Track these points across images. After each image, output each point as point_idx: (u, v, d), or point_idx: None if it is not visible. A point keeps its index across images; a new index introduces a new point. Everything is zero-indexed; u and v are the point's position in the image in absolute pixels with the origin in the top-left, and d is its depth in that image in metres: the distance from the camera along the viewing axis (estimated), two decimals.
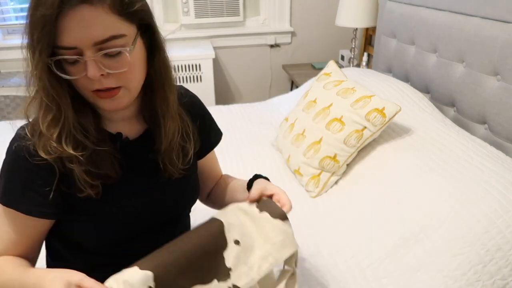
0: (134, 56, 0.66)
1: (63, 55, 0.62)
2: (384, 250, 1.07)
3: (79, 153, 0.67)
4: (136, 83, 0.70)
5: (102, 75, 0.64)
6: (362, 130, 1.35)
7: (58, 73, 0.63)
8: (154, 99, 0.75)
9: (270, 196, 0.78)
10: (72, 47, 0.61)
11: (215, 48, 2.71)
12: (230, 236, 0.72)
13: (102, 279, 0.60)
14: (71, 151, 0.66)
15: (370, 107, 1.35)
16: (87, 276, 0.59)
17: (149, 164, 0.79)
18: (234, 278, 0.70)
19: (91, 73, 0.62)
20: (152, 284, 0.61)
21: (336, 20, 2.36)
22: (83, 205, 0.72)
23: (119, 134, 0.77)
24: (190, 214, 0.93)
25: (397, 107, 1.33)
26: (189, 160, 0.82)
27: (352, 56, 2.50)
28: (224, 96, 2.99)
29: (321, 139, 1.41)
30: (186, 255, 0.66)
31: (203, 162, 0.95)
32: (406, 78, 1.85)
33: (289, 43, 2.93)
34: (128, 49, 0.64)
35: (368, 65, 2.43)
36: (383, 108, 1.33)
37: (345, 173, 1.41)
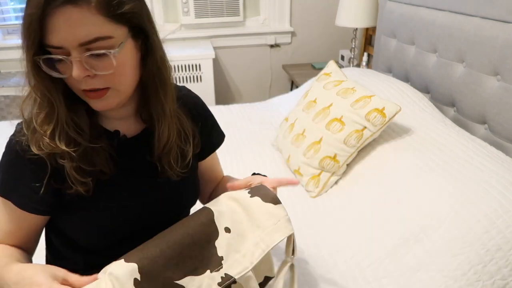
0: (123, 58, 0.65)
1: (52, 53, 0.62)
2: (384, 250, 1.07)
3: (72, 149, 0.68)
4: (125, 85, 0.69)
5: (88, 75, 0.64)
6: (362, 130, 1.35)
7: (46, 70, 0.64)
8: (149, 101, 0.75)
9: None
10: (59, 46, 0.61)
11: (215, 48, 2.71)
12: (221, 224, 0.70)
13: None
14: (64, 148, 0.67)
15: (370, 107, 1.35)
16: (70, 272, 0.61)
17: (147, 164, 0.79)
18: (226, 267, 0.68)
19: (75, 74, 0.62)
20: (137, 276, 0.61)
21: (336, 20, 2.36)
22: (77, 202, 0.73)
23: (116, 132, 0.77)
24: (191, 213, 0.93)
25: (397, 107, 1.33)
26: (188, 163, 0.82)
27: (352, 56, 2.50)
28: (224, 96, 2.99)
29: (321, 139, 1.41)
30: (173, 246, 0.65)
31: (205, 163, 0.95)
32: (406, 78, 1.85)
33: (289, 43, 2.93)
34: (112, 51, 0.62)
35: (368, 65, 2.43)
36: (383, 108, 1.33)
37: (345, 173, 1.41)
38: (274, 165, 1.56)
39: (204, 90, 2.59)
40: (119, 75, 0.66)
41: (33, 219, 0.74)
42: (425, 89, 1.71)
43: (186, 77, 2.56)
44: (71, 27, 0.59)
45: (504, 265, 0.97)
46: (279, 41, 2.90)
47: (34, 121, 0.68)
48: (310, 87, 1.67)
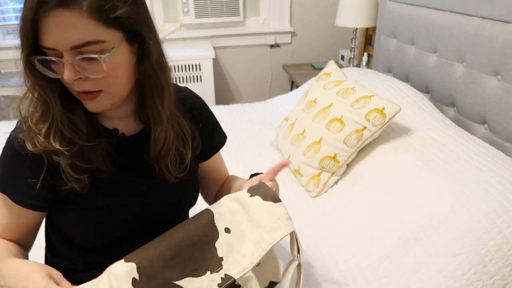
0: (115, 62, 0.65)
1: (47, 54, 0.63)
2: (384, 250, 1.07)
3: (66, 148, 0.69)
4: (118, 88, 0.69)
5: (80, 78, 0.64)
6: (362, 130, 1.35)
7: (41, 70, 0.64)
8: (146, 103, 0.75)
9: None
10: (52, 48, 0.62)
11: (215, 48, 2.71)
12: (221, 225, 0.70)
13: None
14: (58, 146, 0.68)
15: (370, 107, 1.35)
16: (64, 278, 0.61)
17: (146, 164, 0.79)
18: (226, 268, 0.68)
19: (66, 76, 0.63)
20: (136, 275, 0.61)
21: (336, 20, 2.36)
22: (72, 198, 0.73)
23: (115, 130, 0.77)
24: (190, 213, 0.93)
25: (397, 107, 1.33)
26: (186, 166, 0.81)
27: (352, 56, 2.50)
28: (224, 96, 2.99)
29: (321, 139, 1.41)
30: (173, 247, 0.65)
31: (207, 164, 0.94)
32: (406, 78, 1.85)
33: (289, 43, 2.93)
34: (103, 57, 0.62)
35: (368, 65, 2.43)
36: (383, 108, 1.33)
37: (345, 173, 1.41)
38: (274, 165, 1.56)
39: (204, 90, 2.59)
40: (111, 78, 0.66)
41: (30, 215, 0.75)
42: (425, 89, 1.71)
43: (186, 77, 2.56)
44: (63, 31, 0.60)
45: (504, 265, 0.97)
46: (279, 41, 2.90)
47: (29, 119, 0.69)
48: (310, 87, 1.67)
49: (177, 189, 0.82)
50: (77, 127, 0.71)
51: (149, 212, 0.79)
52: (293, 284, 0.78)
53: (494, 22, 1.30)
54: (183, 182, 0.82)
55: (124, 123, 0.78)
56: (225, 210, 0.72)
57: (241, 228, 0.71)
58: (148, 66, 0.70)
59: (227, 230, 0.70)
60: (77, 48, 0.61)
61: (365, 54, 2.42)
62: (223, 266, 0.68)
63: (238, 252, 0.69)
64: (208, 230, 0.69)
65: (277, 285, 0.74)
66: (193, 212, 0.93)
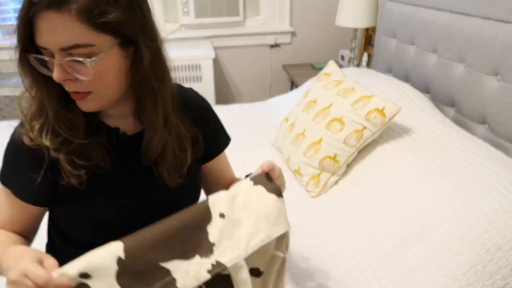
0: (105, 66, 0.65)
1: (41, 53, 0.65)
2: (384, 250, 1.07)
3: (58, 145, 0.70)
4: (108, 90, 0.70)
5: (70, 79, 0.65)
6: (362, 130, 1.35)
7: (36, 67, 0.66)
8: (140, 106, 0.75)
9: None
10: (44, 47, 0.63)
11: (215, 48, 2.71)
12: (216, 209, 0.68)
13: None
14: (48, 143, 0.70)
15: (370, 107, 1.35)
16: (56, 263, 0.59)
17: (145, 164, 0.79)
18: (217, 254, 0.66)
19: (55, 76, 0.64)
20: (122, 254, 0.60)
21: (336, 20, 2.36)
22: (70, 194, 0.74)
23: (116, 129, 0.78)
24: None
25: (397, 107, 1.33)
26: (186, 171, 0.81)
27: (352, 56, 2.50)
28: (224, 96, 2.99)
29: (321, 139, 1.41)
30: (163, 228, 0.64)
31: (210, 166, 0.94)
32: (406, 78, 1.85)
33: (289, 43, 2.93)
34: (88, 61, 0.62)
35: (368, 65, 2.43)
36: (383, 108, 1.33)
37: (345, 173, 1.41)
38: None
39: (204, 90, 2.59)
40: (100, 81, 0.67)
41: (32, 209, 0.76)
42: (425, 89, 1.71)
43: (186, 77, 2.56)
44: (53, 32, 0.61)
45: (504, 265, 0.97)
46: (279, 41, 2.90)
47: (25, 116, 0.72)
48: (310, 87, 1.67)
49: (177, 191, 0.82)
50: (75, 124, 0.72)
51: (148, 213, 0.79)
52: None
53: (494, 22, 1.30)
54: (184, 184, 0.82)
55: (125, 122, 0.79)
56: (223, 196, 0.69)
57: (238, 215, 0.69)
58: (139, 72, 0.69)
59: (222, 215, 0.67)
60: (67, 50, 0.62)
61: (365, 54, 2.42)
62: (215, 252, 0.66)
63: (231, 239, 0.67)
64: (201, 213, 0.67)
65: (262, 276, 0.73)
66: None
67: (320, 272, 1.06)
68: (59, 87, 0.69)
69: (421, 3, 1.70)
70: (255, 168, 0.76)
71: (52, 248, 0.86)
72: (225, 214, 0.68)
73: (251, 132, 1.82)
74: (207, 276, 0.64)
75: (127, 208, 0.77)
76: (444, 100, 1.60)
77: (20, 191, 0.74)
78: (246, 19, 2.83)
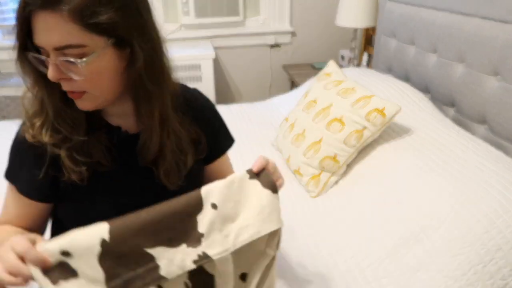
0: (98, 66, 0.65)
1: (40, 52, 0.66)
2: (384, 250, 1.07)
3: (60, 141, 0.71)
4: (101, 91, 0.70)
5: (65, 78, 0.66)
6: (362, 130, 1.35)
7: (35, 64, 0.67)
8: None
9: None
10: (41, 46, 0.64)
11: (215, 48, 2.71)
12: (208, 200, 0.66)
13: None
14: (47, 140, 0.71)
15: (370, 107, 1.35)
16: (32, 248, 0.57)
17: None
18: (205, 245, 0.64)
19: (49, 75, 0.65)
20: (106, 236, 0.59)
21: (336, 20, 2.36)
22: (71, 191, 0.74)
23: (118, 127, 0.78)
24: None
25: (397, 107, 1.33)
26: (185, 174, 0.81)
27: (352, 56, 2.50)
28: (224, 96, 2.99)
29: (321, 139, 1.41)
30: (152, 213, 0.62)
31: (213, 167, 0.94)
32: (406, 78, 1.85)
33: (289, 43, 2.93)
34: (79, 61, 0.63)
35: (368, 65, 2.43)
36: (383, 108, 1.33)
37: (345, 173, 1.41)
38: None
39: (204, 90, 2.54)
40: (93, 82, 0.67)
41: (36, 205, 0.77)
42: (425, 89, 1.71)
43: (186, 77, 2.56)
44: (47, 32, 0.62)
45: (504, 265, 0.97)
46: (279, 41, 2.90)
47: (27, 113, 0.73)
48: (310, 87, 1.67)
49: (178, 192, 0.82)
50: (76, 121, 0.73)
51: None
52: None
53: (494, 22, 1.30)
54: (185, 186, 0.81)
55: (127, 121, 0.79)
56: (217, 186, 0.68)
57: (230, 207, 0.67)
58: (133, 73, 0.69)
59: (214, 206, 0.66)
60: (60, 50, 0.63)
61: (365, 54, 2.42)
62: (202, 243, 0.64)
63: (220, 231, 0.66)
64: (192, 201, 0.65)
65: (247, 276, 0.71)
66: None
67: (320, 272, 1.06)
68: (59, 85, 0.69)
69: (421, 3, 1.70)
70: None
71: None
72: (217, 205, 0.66)
73: (251, 132, 1.82)
74: (192, 266, 0.63)
75: (127, 208, 0.77)
76: (444, 100, 1.60)
77: (24, 187, 0.76)
78: (246, 19, 2.83)
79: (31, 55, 0.66)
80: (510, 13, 1.24)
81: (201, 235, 0.64)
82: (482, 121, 1.41)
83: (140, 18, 0.67)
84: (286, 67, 2.89)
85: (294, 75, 2.71)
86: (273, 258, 0.73)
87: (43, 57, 0.65)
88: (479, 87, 1.38)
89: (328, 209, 1.31)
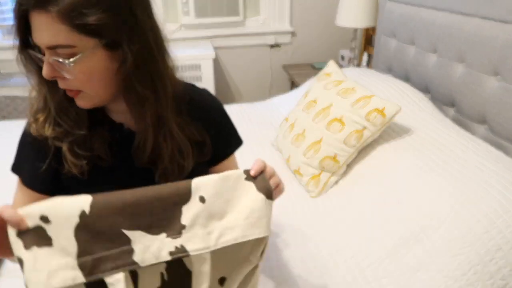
0: (88, 67, 0.66)
1: (40, 50, 0.67)
2: (384, 250, 1.07)
3: (62, 135, 0.73)
4: (95, 91, 0.70)
5: (59, 76, 0.67)
6: (362, 130, 1.35)
7: (37, 61, 0.68)
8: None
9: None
10: (37, 45, 0.66)
11: (215, 48, 2.71)
12: (197, 192, 0.63)
13: None
14: (50, 133, 0.73)
15: (370, 107, 1.35)
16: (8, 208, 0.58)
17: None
18: (184, 239, 0.62)
19: (43, 73, 0.66)
20: (87, 209, 0.58)
21: (336, 20, 2.36)
22: (72, 185, 0.76)
23: (120, 124, 0.79)
24: None
25: (397, 107, 1.33)
26: (184, 177, 0.80)
27: (352, 56, 2.50)
28: (224, 96, 2.99)
29: (321, 139, 1.41)
30: (136, 195, 0.60)
31: (218, 169, 0.93)
32: (406, 78, 1.85)
33: (289, 43, 2.93)
34: (66, 61, 0.64)
35: (368, 65, 2.43)
36: (383, 108, 1.33)
37: (345, 173, 1.41)
38: (274, 165, 1.55)
39: None
40: (86, 82, 0.68)
41: (39, 197, 0.78)
42: (425, 89, 1.71)
43: (186, 77, 2.55)
44: (39, 31, 0.64)
45: (504, 265, 0.97)
46: (279, 41, 2.90)
47: (32, 108, 0.76)
48: (310, 87, 1.67)
49: None
50: (78, 117, 0.74)
51: None
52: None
53: (494, 22, 1.30)
54: None
55: (129, 118, 0.79)
56: (209, 180, 0.65)
57: (219, 204, 0.64)
58: (122, 75, 0.69)
59: (202, 199, 0.63)
60: (52, 49, 0.64)
61: (365, 54, 2.42)
62: (183, 236, 0.62)
63: (204, 227, 0.63)
64: (181, 190, 0.63)
65: (226, 281, 0.69)
66: None
67: (320, 272, 1.06)
68: None
69: (421, 3, 1.70)
70: None
71: None
72: (206, 199, 0.63)
73: (251, 132, 1.82)
74: (168, 258, 0.61)
75: None
76: (444, 100, 1.60)
77: (27, 179, 0.78)
78: (246, 19, 2.83)
79: (31, 52, 0.68)
80: (510, 13, 1.24)
81: (183, 227, 0.62)
82: (482, 121, 1.41)
83: (133, 19, 0.67)
84: (286, 67, 2.89)
85: (294, 75, 2.71)
86: (256, 267, 0.70)
87: (39, 55, 0.67)
88: (479, 87, 1.38)
89: (328, 209, 1.31)
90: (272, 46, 2.92)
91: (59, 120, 0.73)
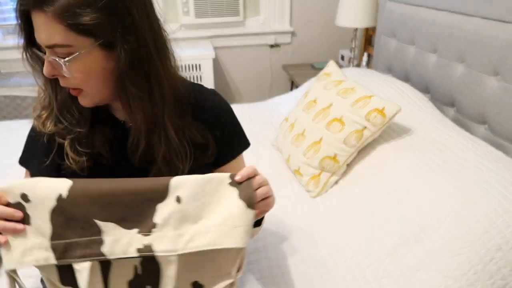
0: (85, 66, 0.67)
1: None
2: (384, 250, 1.07)
3: (63, 132, 0.75)
4: (94, 90, 0.71)
5: (60, 75, 0.68)
6: (362, 130, 1.35)
7: (40, 59, 0.70)
8: None
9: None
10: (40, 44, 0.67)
11: (215, 48, 2.71)
12: (175, 191, 0.62)
13: None
14: (48, 130, 0.75)
15: (370, 107, 1.35)
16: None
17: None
18: (154, 237, 0.61)
19: (44, 71, 0.68)
20: (64, 193, 0.59)
21: (336, 20, 2.36)
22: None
23: (123, 122, 0.80)
24: None
25: (397, 107, 1.33)
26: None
27: (352, 56, 2.50)
28: (224, 96, 2.96)
29: (321, 139, 1.41)
30: (113, 185, 0.61)
31: (222, 171, 0.92)
32: (406, 78, 1.85)
33: (289, 43, 2.93)
34: (62, 61, 0.65)
35: (368, 65, 2.43)
36: (383, 108, 1.33)
37: (345, 173, 1.41)
38: (274, 165, 1.56)
39: None
40: (84, 81, 0.69)
41: None
42: (425, 89, 1.71)
43: (186, 77, 2.55)
44: (38, 30, 0.65)
45: (504, 265, 0.97)
46: (279, 41, 2.90)
47: (37, 106, 0.78)
48: (310, 87, 1.67)
49: None
50: (81, 115, 0.76)
51: None
52: None
53: (494, 22, 1.30)
54: None
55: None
56: (190, 181, 0.62)
57: (195, 207, 0.62)
58: (117, 75, 0.69)
59: (178, 200, 0.61)
60: (50, 48, 0.65)
61: (365, 54, 2.42)
62: (152, 235, 0.61)
63: (175, 229, 0.61)
64: (158, 187, 0.62)
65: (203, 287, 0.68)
66: None
67: (320, 272, 1.06)
68: None
69: (421, 3, 1.70)
70: None
71: None
72: (182, 199, 0.62)
73: (251, 132, 1.81)
74: (135, 254, 0.61)
75: None
76: (444, 100, 1.60)
77: (34, 173, 0.80)
78: (246, 19, 2.83)
79: (35, 51, 0.69)
80: (510, 13, 1.24)
81: (154, 225, 0.61)
82: (482, 121, 1.41)
83: (129, 19, 0.66)
84: (286, 67, 2.89)
85: (294, 75, 2.71)
86: (232, 284, 0.67)
87: (39, 53, 0.69)
88: (479, 87, 1.38)
89: (328, 209, 1.31)
90: (272, 46, 2.92)
91: (61, 118, 0.75)
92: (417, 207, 1.11)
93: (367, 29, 2.55)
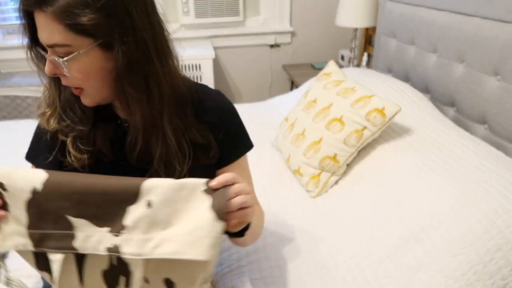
0: (84, 66, 0.67)
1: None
2: (384, 250, 1.07)
3: (66, 129, 0.77)
4: (94, 90, 0.72)
5: (61, 74, 0.69)
6: (362, 130, 1.35)
7: (43, 57, 0.71)
8: None
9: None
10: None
11: (215, 48, 2.71)
12: (146, 195, 0.61)
13: None
14: (50, 128, 0.77)
15: (370, 107, 1.35)
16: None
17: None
18: (122, 239, 0.61)
19: (45, 70, 0.69)
20: (39, 187, 0.60)
21: (336, 20, 2.36)
22: None
23: (125, 121, 0.80)
24: None
25: (397, 107, 1.33)
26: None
27: (352, 56, 2.50)
28: None
29: (321, 139, 1.41)
30: (86, 182, 0.61)
31: (224, 172, 0.92)
32: (406, 78, 1.85)
33: (289, 43, 2.93)
34: (60, 60, 0.65)
35: (368, 65, 2.43)
36: (383, 108, 1.33)
37: (345, 173, 1.41)
38: (274, 165, 1.56)
39: None
40: (84, 80, 0.70)
41: None
42: (425, 89, 1.71)
43: None
44: (40, 29, 0.66)
45: (504, 265, 0.97)
46: (279, 41, 2.90)
47: (41, 104, 0.80)
48: (310, 87, 1.67)
49: None
50: (84, 113, 0.77)
51: None
52: None
53: (494, 22, 1.30)
54: None
55: None
56: (162, 185, 0.61)
57: (165, 213, 0.61)
58: (114, 75, 0.69)
59: (149, 204, 0.60)
60: (51, 47, 0.66)
61: (365, 54, 2.42)
62: (121, 236, 0.61)
63: (144, 233, 0.61)
64: (129, 189, 0.61)
65: (174, 285, 0.66)
66: None
67: (320, 272, 1.06)
68: None
69: (421, 3, 1.70)
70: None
71: None
72: (153, 204, 0.60)
73: (251, 132, 1.80)
74: (105, 253, 0.62)
75: None
76: (444, 100, 1.60)
77: (40, 168, 0.80)
78: (246, 19, 2.83)
79: (39, 50, 0.70)
80: (510, 13, 1.24)
81: (123, 227, 0.61)
82: (482, 121, 1.41)
83: (128, 19, 0.66)
84: (286, 67, 2.89)
85: (294, 75, 2.71)
86: None
87: (42, 52, 0.70)
88: (479, 87, 1.38)
89: (328, 209, 1.31)
90: (272, 46, 2.92)
91: (64, 116, 0.77)
92: (417, 207, 1.11)
93: (367, 29, 2.55)
